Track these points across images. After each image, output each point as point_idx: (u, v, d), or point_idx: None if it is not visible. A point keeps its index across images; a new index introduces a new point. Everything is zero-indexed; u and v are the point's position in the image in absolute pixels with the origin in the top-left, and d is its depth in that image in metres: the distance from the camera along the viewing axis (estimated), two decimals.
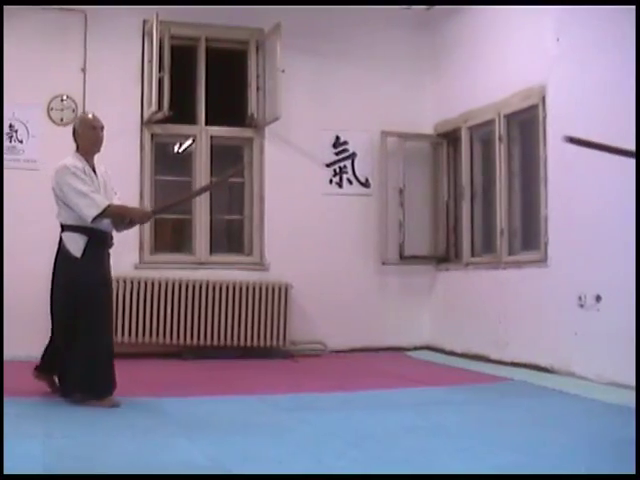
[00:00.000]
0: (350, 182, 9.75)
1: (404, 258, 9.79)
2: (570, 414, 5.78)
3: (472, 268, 9.21)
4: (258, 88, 9.56)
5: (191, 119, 9.46)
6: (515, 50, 8.39)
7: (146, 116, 9.00)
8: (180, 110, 9.12)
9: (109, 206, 5.90)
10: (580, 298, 7.22)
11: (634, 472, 3.78)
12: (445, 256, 9.90)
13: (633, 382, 6.06)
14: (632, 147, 3.54)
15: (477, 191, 9.32)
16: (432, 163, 9.90)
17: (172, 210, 6.28)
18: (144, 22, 9.04)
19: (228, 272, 9.17)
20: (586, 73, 7.27)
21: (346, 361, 9.00)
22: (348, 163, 9.72)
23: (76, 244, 5.90)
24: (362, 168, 9.72)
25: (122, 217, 6.12)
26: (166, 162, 10.23)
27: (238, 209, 9.84)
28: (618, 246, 6.64)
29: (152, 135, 9.18)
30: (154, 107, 8.61)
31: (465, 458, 4.29)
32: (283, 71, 9.12)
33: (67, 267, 5.91)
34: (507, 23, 8.56)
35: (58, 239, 5.99)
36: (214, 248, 9.48)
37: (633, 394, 6.00)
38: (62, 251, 5.96)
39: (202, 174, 9.33)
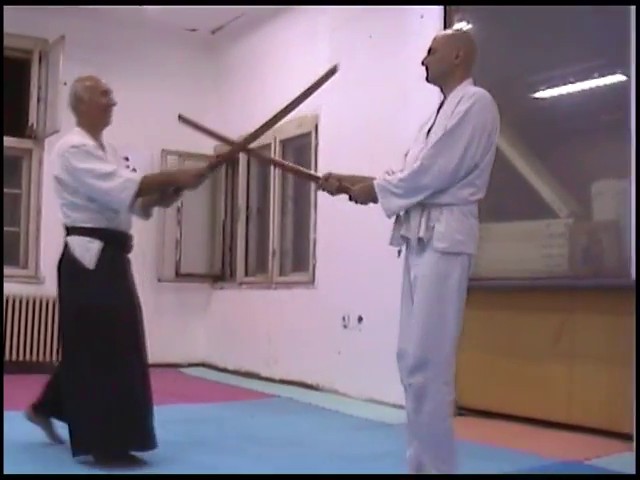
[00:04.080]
0: None
1: (180, 276, 9.92)
2: (328, 429, 6.02)
3: (245, 287, 9.44)
4: (39, 99, 9.43)
5: None
6: (293, 79, 8.64)
7: None
8: None
9: (145, 177, 4.54)
10: (344, 319, 7.56)
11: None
12: (220, 275, 10.09)
13: (390, 399, 6.47)
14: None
15: (252, 212, 9.59)
16: (211, 183, 10.00)
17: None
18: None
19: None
20: (353, 104, 7.66)
21: None
22: None
23: (87, 252, 4.57)
24: None
25: (166, 187, 4.72)
26: None
27: (14, 221, 9.61)
28: (378, 270, 6.98)
29: None
30: None
31: (217, 471, 4.46)
32: (65, 83, 9.02)
33: (76, 282, 4.59)
34: (286, 52, 8.89)
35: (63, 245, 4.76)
36: None
37: (390, 410, 6.39)
38: (68, 261, 4.63)
39: None
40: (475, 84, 3.84)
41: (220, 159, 5.05)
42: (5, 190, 9.41)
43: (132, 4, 9.14)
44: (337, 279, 7.70)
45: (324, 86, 7.94)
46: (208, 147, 10.04)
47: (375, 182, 3.86)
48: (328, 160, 7.95)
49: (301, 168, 5.01)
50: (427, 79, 3.97)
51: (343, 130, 7.78)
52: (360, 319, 7.37)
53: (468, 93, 3.76)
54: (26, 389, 7.76)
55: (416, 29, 6.77)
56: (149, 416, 4.55)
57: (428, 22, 6.69)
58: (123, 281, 4.74)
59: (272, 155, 8.89)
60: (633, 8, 5.22)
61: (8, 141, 9.38)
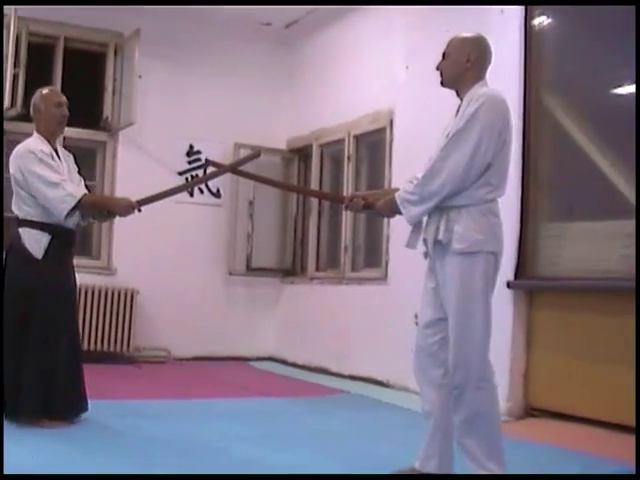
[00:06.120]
0: (201, 191, 9.80)
1: (251, 269, 9.93)
2: (399, 426, 5.97)
3: (316, 282, 9.42)
4: (114, 92, 9.50)
5: None
6: (368, 75, 8.64)
7: None
8: None
9: (85, 196, 5.14)
10: (416, 316, 7.45)
11: None
12: (291, 269, 10.09)
13: None
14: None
15: (324, 207, 9.54)
16: (283, 177, 9.99)
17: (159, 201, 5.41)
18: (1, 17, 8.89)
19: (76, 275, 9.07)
20: (429, 100, 7.55)
21: (189, 369, 9.06)
22: (200, 172, 9.74)
23: (37, 243, 5.11)
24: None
25: (100, 209, 5.33)
26: None
27: None
28: None
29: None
30: (7, 103, 8.44)
31: (287, 468, 4.41)
32: (140, 77, 9.14)
33: (24, 270, 5.11)
34: (362, 49, 8.83)
35: (15, 235, 5.23)
36: None
37: None
38: (18, 250, 5.15)
39: None
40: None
41: (146, 201, 5.39)
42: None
43: (206, 4, 9.17)
44: (410, 276, 7.54)
45: (399, 81, 7.98)
46: (280, 141, 10.09)
47: (396, 194, 3.97)
48: (403, 156, 7.88)
49: (323, 191, 5.17)
50: (441, 83, 4.10)
51: (418, 126, 7.66)
52: None
53: (476, 95, 3.84)
54: (101, 378, 7.95)
55: (496, 25, 6.64)
56: (71, 388, 5.21)
57: (509, 17, 6.56)
58: (64, 272, 5.28)
59: (345, 151, 8.87)
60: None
61: (83, 133, 9.45)
